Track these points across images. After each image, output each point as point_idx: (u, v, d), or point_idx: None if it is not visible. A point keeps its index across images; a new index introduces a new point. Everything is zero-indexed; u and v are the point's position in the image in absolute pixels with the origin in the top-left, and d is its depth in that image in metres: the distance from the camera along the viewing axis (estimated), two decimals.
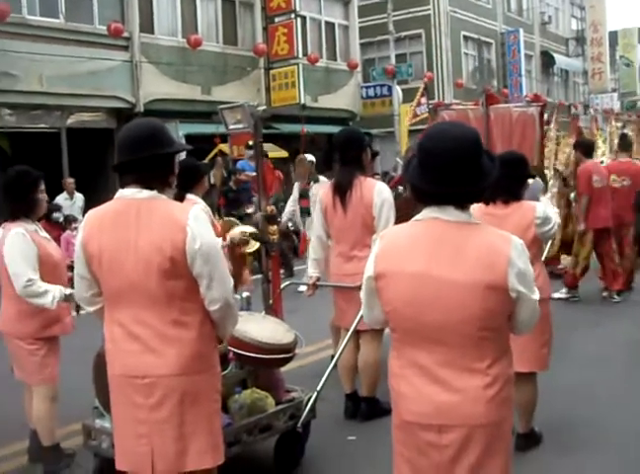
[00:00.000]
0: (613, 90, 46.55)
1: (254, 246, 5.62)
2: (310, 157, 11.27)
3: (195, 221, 2.98)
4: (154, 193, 3.04)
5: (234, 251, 5.43)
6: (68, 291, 4.34)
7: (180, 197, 6.07)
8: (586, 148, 9.67)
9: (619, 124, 14.56)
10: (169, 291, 2.99)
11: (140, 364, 3.01)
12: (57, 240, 10.16)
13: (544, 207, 4.58)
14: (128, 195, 3.06)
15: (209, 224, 3.13)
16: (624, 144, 10.65)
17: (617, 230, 9.97)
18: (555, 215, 4.66)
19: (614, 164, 10.48)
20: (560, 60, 38.90)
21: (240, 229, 5.86)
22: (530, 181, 4.89)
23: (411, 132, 22.68)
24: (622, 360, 6.85)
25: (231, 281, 3.14)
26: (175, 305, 3.01)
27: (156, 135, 3.07)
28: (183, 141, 14.57)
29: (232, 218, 7.52)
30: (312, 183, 11.00)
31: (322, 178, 10.90)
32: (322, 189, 5.82)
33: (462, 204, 2.56)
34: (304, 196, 11.12)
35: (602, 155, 12.28)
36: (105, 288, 3.11)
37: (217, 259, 3.05)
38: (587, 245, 9.64)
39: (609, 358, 6.85)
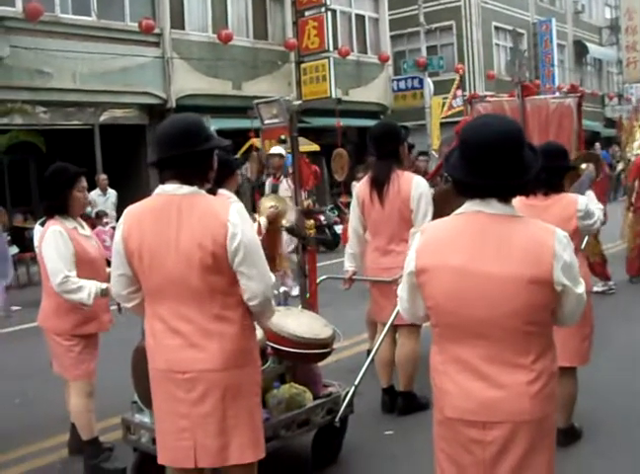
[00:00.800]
0: None
1: (286, 212, 5.66)
2: (279, 150, 10.91)
3: (236, 217, 2.98)
4: (194, 188, 3.05)
5: (267, 233, 5.48)
6: (104, 286, 4.36)
7: (212, 192, 6.09)
8: None
9: None
10: (211, 286, 2.99)
11: (182, 359, 3.03)
12: None
13: (587, 201, 4.52)
14: (169, 190, 3.06)
15: (250, 220, 3.13)
16: None
17: None
18: (598, 211, 4.58)
19: None
20: (593, 50, 38.37)
21: (266, 205, 5.91)
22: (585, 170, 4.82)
23: (443, 125, 22.54)
24: None
25: (271, 277, 3.13)
26: (217, 300, 3.02)
27: (194, 131, 3.06)
28: None
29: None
30: (282, 178, 10.88)
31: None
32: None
33: (505, 197, 2.52)
34: (275, 191, 10.97)
35: (639, 148, 12.09)
36: (145, 284, 3.12)
37: (258, 254, 3.05)
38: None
39: None
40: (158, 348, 3.10)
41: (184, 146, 3.00)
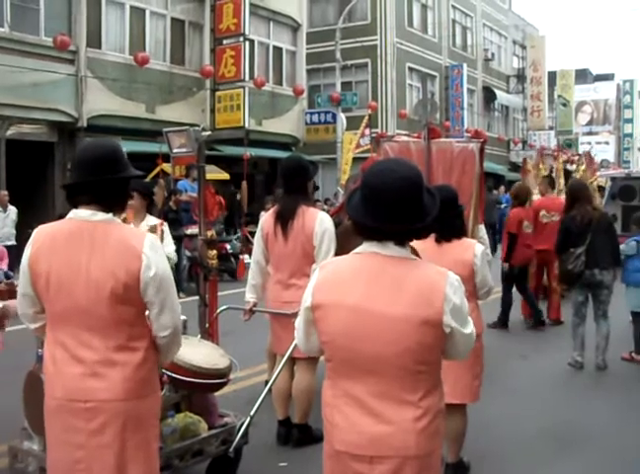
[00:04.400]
0: (550, 128, 47.89)
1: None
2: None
3: (150, 249, 2.97)
4: (110, 216, 3.01)
5: None
6: None
7: None
8: None
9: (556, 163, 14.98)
10: (119, 316, 2.95)
11: (83, 388, 2.95)
12: None
13: (483, 248, 4.70)
14: (84, 216, 3.00)
15: (163, 252, 3.12)
16: (551, 182, 11.13)
17: (546, 264, 10.37)
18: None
19: (543, 200, 10.84)
20: (501, 96, 39.90)
21: None
22: None
23: (355, 160, 22.88)
24: (544, 392, 7.04)
25: (180, 309, 3.13)
26: (123, 330, 2.98)
27: (116, 157, 3.03)
28: None
29: None
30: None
31: None
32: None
33: (402, 241, 2.61)
34: None
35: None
36: (50, 309, 3.03)
37: (170, 286, 3.05)
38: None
39: (532, 390, 7.05)
40: (58, 375, 3.00)
41: (106, 172, 2.96)
